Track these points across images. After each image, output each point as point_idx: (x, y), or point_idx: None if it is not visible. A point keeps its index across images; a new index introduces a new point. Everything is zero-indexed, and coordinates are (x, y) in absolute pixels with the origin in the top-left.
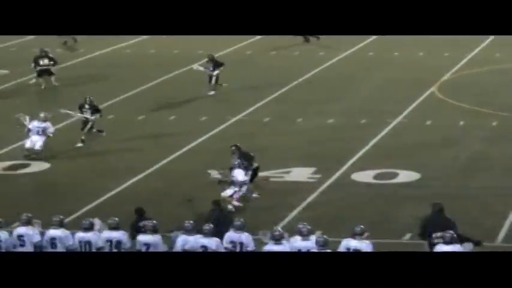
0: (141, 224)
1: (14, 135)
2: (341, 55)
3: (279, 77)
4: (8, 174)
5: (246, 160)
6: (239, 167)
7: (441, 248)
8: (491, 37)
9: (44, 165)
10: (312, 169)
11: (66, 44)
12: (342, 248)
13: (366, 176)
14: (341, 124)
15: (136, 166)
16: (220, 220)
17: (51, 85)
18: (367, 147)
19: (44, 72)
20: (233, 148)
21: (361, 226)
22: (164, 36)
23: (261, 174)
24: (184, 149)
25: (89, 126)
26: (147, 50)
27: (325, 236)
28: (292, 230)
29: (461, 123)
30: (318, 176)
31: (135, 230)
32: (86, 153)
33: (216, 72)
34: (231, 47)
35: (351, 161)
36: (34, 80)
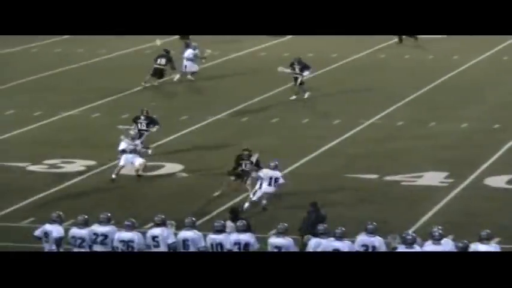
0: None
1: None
2: (475, 59)
3: (412, 81)
4: (142, 175)
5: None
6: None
7: None
8: None
9: (178, 167)
10: (445, 173)
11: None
12: None
13: (499, 181)
14: (474, 128)
15: None
16: (317, 221)
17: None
18: (500, 152)
19: (157, 72)
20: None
21: (488, 231)
22: (298, 38)
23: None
24: (319, 152)
25: (143, 138)
26: (280, 53)
27: (465, 241)
28: (424, 235)
29: None
30: (450, 180)
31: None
32: (215, 155)
33: (305, 74)
34: (365, 51)
35: (484, 166)
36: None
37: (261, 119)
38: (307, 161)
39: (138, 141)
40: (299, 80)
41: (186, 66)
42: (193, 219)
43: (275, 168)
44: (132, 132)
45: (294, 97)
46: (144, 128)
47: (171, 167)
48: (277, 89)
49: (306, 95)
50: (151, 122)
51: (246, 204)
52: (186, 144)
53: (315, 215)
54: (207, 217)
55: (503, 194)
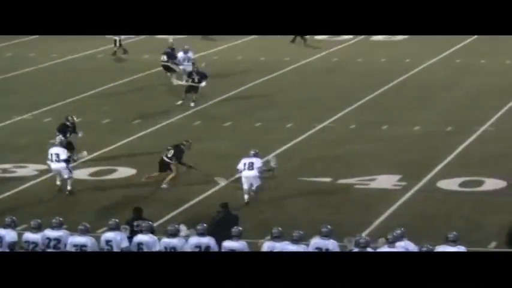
0: (136, 223)
1: (99, 140)
2: (428, 62)
3: (365, 84)
4: (94, 180)
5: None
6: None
7: None
8: None
9: (130, 171)
10: (398, 176)
11: None
12: None
13: (452, 184)
14: (427, 131)
15: (223, 173)
16: (227, 222)
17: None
18: (453, 155)
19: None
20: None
21: (455, 233)
22: (250, 41)
23: (343, 181)
24: (271, 155)
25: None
26: (233, 56)
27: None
28: (378, 238)
29: None
30: (403, 183)
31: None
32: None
33: (203, 84)
34: (317, 54)
35: (436, 169)
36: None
37: (214, 122)
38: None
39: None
40: (198, 90)
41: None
42: (151, 223)
43: (255, 155)
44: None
45: (192, 104)
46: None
47: (123, 171)
48: (230, 93)
49: (193, 104)
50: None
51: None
52: (138, 148)
53: (222, 215)
54: (160, 221)
55: (456, 196)
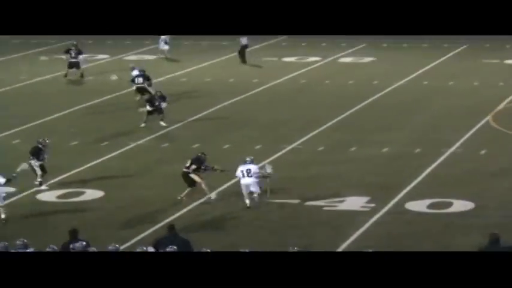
0: (72, 245)
1: (68, 163)
2: (396, 84)
3: (333, 106)
4: (63, 202)
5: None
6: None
7: None
8: None
9: (98, 193)
10: (366, 198)
11: None
12: None
13: (420, 206)
14: (395, 153)
15: (189, 194)
16: (171, 244)
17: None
18: (421, 177)
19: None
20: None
21: None
22: (218, 63)
23: (312, 203)
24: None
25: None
26: (201, 78)
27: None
28: None
29: None
30: (372, 205)
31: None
32: (136, 181)
33: (163, 105)
34: (286, 76)
35: (405, 190)
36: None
37: (183, 144)
38: (229, 185)
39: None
40: (162, 111)
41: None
42: (85, 243)
43: (251, 162)
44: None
45: (143, 125)
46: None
47: (91, 193)
48: (199, 114)
49: (164, 124)
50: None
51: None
52: (107, 170)
53: (165, 237)
54: (127, 244)
55: (424, 218)
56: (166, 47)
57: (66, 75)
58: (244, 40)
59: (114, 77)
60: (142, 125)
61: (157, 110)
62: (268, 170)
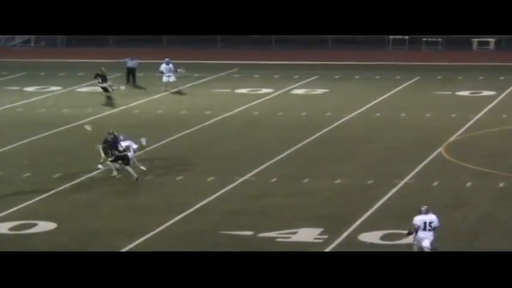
0: None
1: (19, 195)
2: (348, 116)
3: (285, 138)
4: (15, 234)
5: None
6: None
7: None
8: (498, 99)
9: (51, 225)
10: (319, 230)
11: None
12: None
13: (373, 237)
14: (348, 185)
15: (141, 227)
16: None
17: None
18: (374, 208)
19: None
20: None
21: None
22: (170, 95)
23: (265, 234)
24: (192, 209)
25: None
26: (154, 110)
27: None
28: None
29: (469, 184)
30: (325, 236)
31: None
32: (89, 213)
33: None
34: (238, 107)
35: (358, 222)
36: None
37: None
38: (181, 218)
39: None
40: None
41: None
42: None
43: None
44: None
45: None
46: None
47: (43, 226)
48: (151, 147)
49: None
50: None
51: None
52: (59, 202)
53: None
54: None
55: (377, 249)
56: (171, 79)
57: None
58: (131, 63)
59: (88, 128)
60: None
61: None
62: (144, 142)
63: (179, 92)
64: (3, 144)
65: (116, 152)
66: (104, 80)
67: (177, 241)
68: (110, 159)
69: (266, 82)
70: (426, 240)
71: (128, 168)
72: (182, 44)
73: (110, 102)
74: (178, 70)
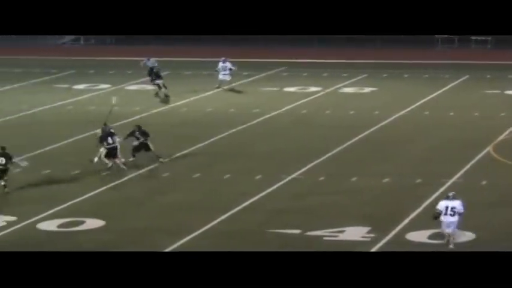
0: None
1: (67, 193)
2: (396, 114)
3: (333, 136)
4: (63, 231)
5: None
6: None
7: None
8: None
9: (98, 222)
10: (367, 228)
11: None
12: None
13: (420, 236)
14: (396, 183)
15: (188, 225)
16: None
17: None
18: (422, 207)
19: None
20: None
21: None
22: (219, 93)
23: (312, 233)
24: (239, 208)
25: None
26: (203, 108)
27: None
28: None
29: None
30: (372, 235)
31: None
32: (136, 211)
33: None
34: (286, 106)
35: (405, 221)
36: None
37: (183, 174)
38: (227, 216)
39: None
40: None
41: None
42: None
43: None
44: None
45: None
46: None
47: (91, 223)
48: (199, 144)
49: (162, 160)
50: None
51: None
52: (107, 200)
53: None
54: None
55: (425, 249)
56: (227, 78)
57: (156, 94)
58: (150, 62)
59: (114, 101)
60: (131, 159)
61: (143, 146)
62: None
63: (228, 90)
64: (53, 141)
65: (105, 144)
66: (158, 77)
67: (224, 240)
68: (101, 150)
69: (314, 80)
70: (448, 225)
71: (116, 160)
72: (231, 43)
73: (164, 99)
74: (233, 68)
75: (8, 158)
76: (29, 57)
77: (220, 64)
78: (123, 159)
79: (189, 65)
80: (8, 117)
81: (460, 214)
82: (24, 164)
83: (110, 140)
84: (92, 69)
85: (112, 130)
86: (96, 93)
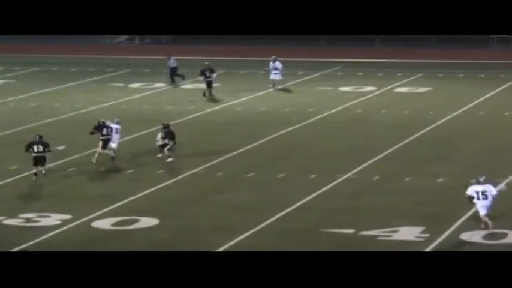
0: None
1: (122, 191)
2: (451, 114)
3: (388, 136)
4: (117, 229)
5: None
6: None
7: None
8: None
9: (153, 221)
10: (421, 228)
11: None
12: None
13: (475, 236)
14: (450, 183)
15: (241, 224)
16: None
17: None
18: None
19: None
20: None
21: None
22: (273, 93)
23: (366, 232)
24: (293, 207)
25: None
26: (257, 107)
27: None
28: None
29: None
30: (426, 235)
31: None
32: (191, 210)
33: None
34: (341, 105)
35: (460, 221)
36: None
37: (237, 173)
38: (281, 215)
39: None
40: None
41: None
42: None
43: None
44: None
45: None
46: None
47: (145, 221)
48: (254, 143)
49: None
50: None
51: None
52: (162, 198)
53: None
54: None
55: (479, 249)
56: (277, 77)
57: (204, 94)
58: (171, 62)
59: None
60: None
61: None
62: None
63: (283, 90)
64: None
65: (100, 136)
66: (212, 72)
67: (278, 238)
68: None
69: (369, 80)
70: (482, 209)
71: (106, 150)
72: (288, 42)
73: (210, 98)
74: (280, 67)
75: (46, 146)
76: (85, 56)
77: (271, 64)
78: (168, 152)
79: (245, 64)
80: (63, 116)
81: (492, 196)
82: (61, 147)
83: (104, 131)
84: (147, 68)
85: (107, 123)
86: (151, 92)
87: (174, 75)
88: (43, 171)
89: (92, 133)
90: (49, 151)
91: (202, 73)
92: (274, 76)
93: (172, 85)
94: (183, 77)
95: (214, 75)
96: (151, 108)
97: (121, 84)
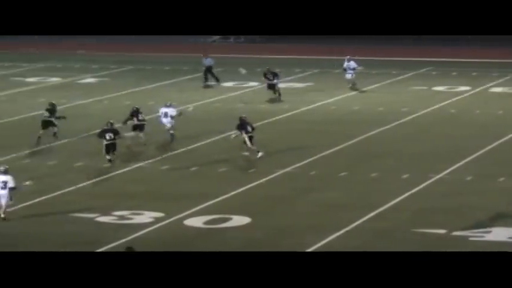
0: None
1: (215, 189)
2: None
3: (482, 136)
4: (209, 228)
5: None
6: None
7: None
8: None
9: (245, 219)
10: None
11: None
12: None
13: None
14: None
15: (334, 223)
16: None
17: None
18: None
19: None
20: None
21: None
22: (367, 92)
23: (458, 233)
24: (386, 206)
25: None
26: (350, 106)
27: None
28: None
29: None
30: None
31: None
32: (283, 209)
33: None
34: (435, 105)
35: None
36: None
37: (330, 172)
38: (374, 215)
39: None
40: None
41: None
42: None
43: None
44: None
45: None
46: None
47: (237, 220)
48: (347, 143)
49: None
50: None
51: None
52: (254, 197)
53: None
54: None
55: None
56: (349, 76)
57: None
58: (207, 61)
59: (243, 71)
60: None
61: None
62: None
63: (376, 89)
64: (200, 139)
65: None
66: (276, 75)
67: (369, 238)
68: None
69: (464, 80)
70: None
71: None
72: (382, 42)
73: (278, 98)
74: (359, 67)
75: (116, 133)
76: (178, 54)
77: (345, 63)
78: (254, 147)
79: (339, 63)
80: (157, 114)
81: None
82: (133, 134)
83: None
84: (239, 67)
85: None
86: (245, 91)
87: (209, 74)
88: (110, 157)
89: (126, 121)
90: (119, 138)
91: (265, 76)
92: (348, 76)
93: (204, 83)
94: (218, 79)
95: (276, 80)
96: (244, 107)
97: (213, 83)
